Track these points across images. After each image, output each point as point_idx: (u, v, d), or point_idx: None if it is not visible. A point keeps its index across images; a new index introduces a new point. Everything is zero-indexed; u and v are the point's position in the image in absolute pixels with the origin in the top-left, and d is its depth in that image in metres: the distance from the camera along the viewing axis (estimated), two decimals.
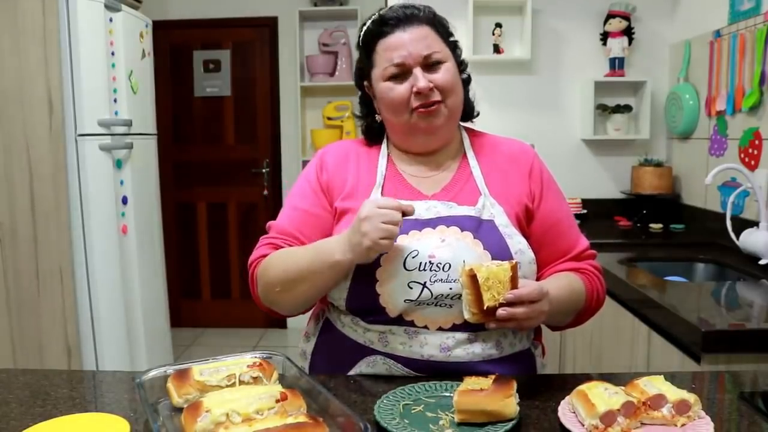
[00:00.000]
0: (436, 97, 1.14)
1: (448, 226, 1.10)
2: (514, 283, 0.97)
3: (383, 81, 1.17)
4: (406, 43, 1.14)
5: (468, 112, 1.27)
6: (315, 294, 1.13)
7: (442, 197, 1.17)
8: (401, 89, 1.15)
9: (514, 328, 1.03)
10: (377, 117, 1.25)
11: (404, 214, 1.02)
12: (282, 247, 1.17)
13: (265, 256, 1.16)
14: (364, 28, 1.22)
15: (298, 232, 1.18)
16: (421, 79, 1.13)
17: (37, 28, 2.43)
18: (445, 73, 1.15)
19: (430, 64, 1.15)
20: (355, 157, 1.24)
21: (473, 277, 0.95)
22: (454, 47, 1.23)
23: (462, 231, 1.10)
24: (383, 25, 1.17)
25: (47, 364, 2.48)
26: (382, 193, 1.17)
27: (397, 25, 1.16)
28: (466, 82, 1.26)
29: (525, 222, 1.18)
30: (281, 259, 1.13)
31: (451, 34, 1.24)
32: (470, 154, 1.23)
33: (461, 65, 1.25)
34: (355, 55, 4.03)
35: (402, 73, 1.15)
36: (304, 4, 4.08)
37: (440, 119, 1.16)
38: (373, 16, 1.21)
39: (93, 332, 2.60)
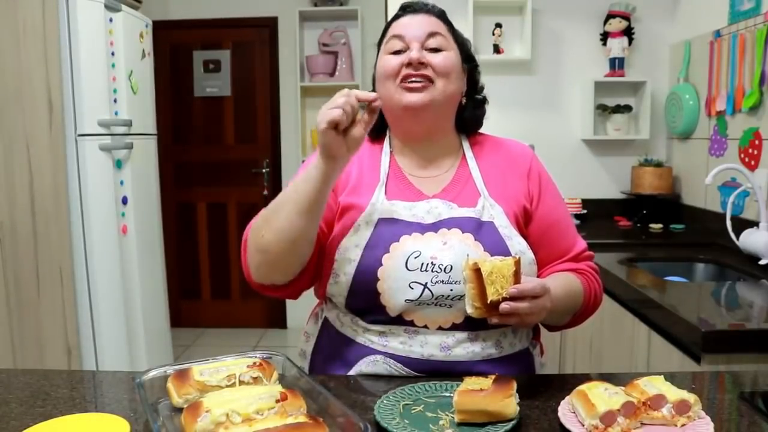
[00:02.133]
0: (427, 72, 1.14)
1: (449, 229, 1.11)
2: (516, 278, 0.98)
3: (384, 54, 1.19)
4: (412, 22, 1.18)
5: (472, 125, 1.27)
6: (295, 222, 1.04)
7: (443, 197, 1.17)
8: (395, 60, 1.16)
9: (515, 324, 1.03)
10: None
11: (367, 103, 1.02)
12: None
13: None
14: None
15: None
16: (415, 50, 1.14)
17: (37, 28, 2.43)
18: (444, 58, 1.16)
19: (431, 49, 1.16)
20: (357, 154, 1.24)
21: (477, 271, 0.96)
22: (466, 58, 1.24)
23: (463, 233, 1.10)
24: (400, 10, 1.22)
25: (47, 364, 2.48)
26: (385, 192, 1.17)
27: (411, 12, 1.20)
28: (481, 102, 1.27)
29: (523, 223, 1.18)
30: (267, 207, 1.11)
31: (470, 57, 1.25)
32: (469, 155, 1.23)
33: (476, 84, 1.26)
34: (356, 55, 4.02)
35: (402, 50, 1.16)
36: (304, 4, 4.08)
37: (424, 97, 1.14)
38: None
39: (93, 332, 2.60)
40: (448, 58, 1.16)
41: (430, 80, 1.14)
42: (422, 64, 1.13)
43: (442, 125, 1.22)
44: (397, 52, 1.17)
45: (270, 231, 1.06)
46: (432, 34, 1.16)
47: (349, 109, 1.00)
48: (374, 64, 1.25)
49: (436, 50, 1.16)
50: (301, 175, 1.08)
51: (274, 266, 1.10)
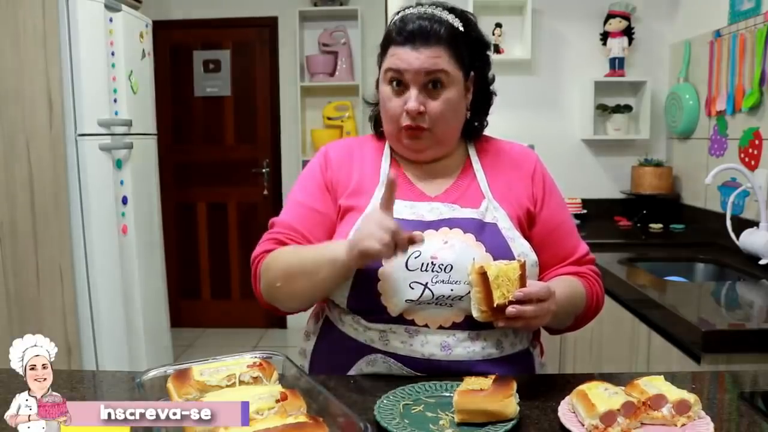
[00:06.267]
0: (424, 123, 1.13)
1: (450, 228, 1.10)
2: (522, 281, 0.98)
3: (385, 83, 1.17)
4: (412, 60, 1.10)
5: (475, 130, 1.25)
6: (313, 292, 1.12)
7: (445, 199, 1.17)
8: (396, 103, 1.14)
9: (521, 327, 1.03)
10: None
11: (411, 240, 0.98)
12: (286, 244, 1.16)
13: (269, 251, 1.16)
14: (391, 21, 1.18)
15: (302, 228, 1.17)
16: (412, 100, 1.11)
17: (37, 28, 2.43)
18: (442, 103, 1.12)
19: (431, 86, 1.12)
20: (359, 156, 1.24)
21: (483, 275, 0.96)
22: (476, 66, 1.19)
23: (465, 233, 1.10)
24: (399, 33, 1.12)
25: None
26: None
27: (411, 39, 1.11)
28: (488, 99, 1.24)
29: (527, 225, 1.18)
30: (285, 255, 1.13)
31: (480, 55, 1.21)
32: (474, 159, 1.23)
33: (485, 79, 1.23)
34: (356, 55, 4.01)
35: (402, 85, 1.13)
36: (304, 4, 4.08)
37: (423, 144, 1.15)
38: (400, 14, 1.16)
39: (93, 332, 2.60)
40: (448, 101, 1.13)
41: (428, 129, 1.13)
42: (420, 114, 1.12)
43: (445, 152, 1.21)
44: (397, 86, 1.14)
45: (285, 289, 1.12)
46: (431, 72, 1.11)
47: (390, 252, 0.97)
48: (378, 63, 1.22)
49: (435, 87, 1.12)
50: (326, 255, 1.06)
51: (288, 306, 1.18)
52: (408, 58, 1.11)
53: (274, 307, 1.18)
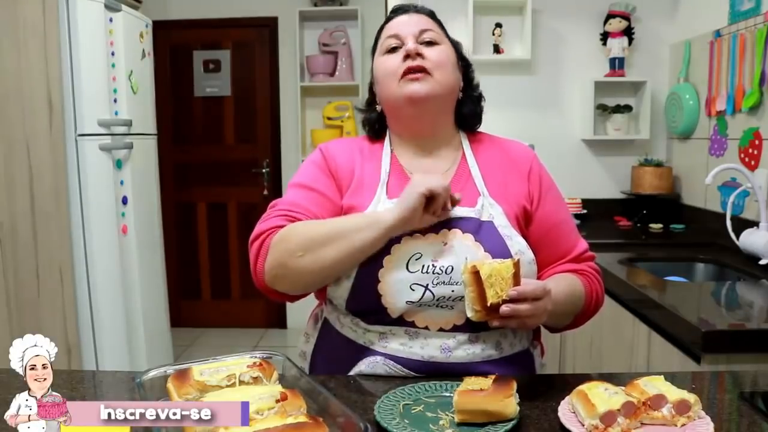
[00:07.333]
0: (425, 63, 1.16)
1: (449, 230, 1.10)
2: (516, 280, 0.97)
3: (381, 55, 1.22)
4: (405, 21, 1.21)
5: (471, 121, 1.28)
6: (342, 259, 1.05)
7: None
8: (393, 58, 1.19)
9: (516, 327, 1.03)
10: (378, 107, 1.25)
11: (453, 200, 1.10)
12: (298, 219, 1.12)
13: (281, 226, 1.11)
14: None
15: (310, 206, 1.14)
16: (410, 43, 1.17)
17: (37, 28, 2.43)
18: (439, 51, 1.19)
19: (425, 42, 1.19)
20: (359, 154, 1.24)
21: (476, 274, 0.95)
22: (459, 57, 1.26)
23: (463, 233, 1.10)
24: (393, 12, 1.25)
25: None
26: (386, 191, 1.17)
27: (405, 11, 1.24)
28: (478, 99, 1.28)
29: (524, 223, 1.18)
30: (309, 225, 1.09)
31: (463, 57, 1.28)
32: (469, 154, 1.23)
33: (472, 81, 1.28)
34: (355, 55, 4.02)
35: (397, 47, 1.19)
36: (304, 4, 4.08)
37: (425, 87, 1.15)
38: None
39: (93, 332, 2.60)
40: (443, 51, 1.20)
41: (428, 72, 1.16)
42: (419, 55, 1.16)
43: (442, 119, 1.23)
44: (393, 50, 1.19)
45: (312, 259, 1.06)
46: (425, 30, 1.20)
47: (443, 198, 1.07)
48: (370, 69, 1.26)
49: (430, 44, 1.19)
50: (364, 219, 1.08)
51: (296, 284, 1.12)
52: (400, 21, 1.22)
53: (272, 290, 1.12)
